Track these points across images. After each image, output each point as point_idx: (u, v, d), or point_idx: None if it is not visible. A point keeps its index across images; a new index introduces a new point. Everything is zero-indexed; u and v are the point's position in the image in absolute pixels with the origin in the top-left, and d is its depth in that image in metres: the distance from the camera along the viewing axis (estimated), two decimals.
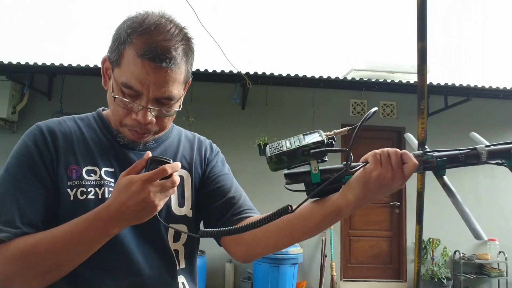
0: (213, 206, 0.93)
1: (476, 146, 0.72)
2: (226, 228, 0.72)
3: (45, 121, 0.87)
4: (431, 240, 5.20)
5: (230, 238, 0.89)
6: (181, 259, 0.91)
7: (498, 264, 5.26)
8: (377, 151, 0.71)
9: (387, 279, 5.40)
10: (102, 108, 0.95)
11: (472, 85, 4.92)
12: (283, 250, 4.39)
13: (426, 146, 0.75)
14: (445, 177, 0.73)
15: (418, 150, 0.74)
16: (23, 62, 4.54)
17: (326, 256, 5.04)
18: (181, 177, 0.92)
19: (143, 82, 0.76)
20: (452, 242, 5.26)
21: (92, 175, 0.83)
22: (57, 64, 4.64)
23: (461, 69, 6.72)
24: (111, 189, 0.83)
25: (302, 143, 0.70)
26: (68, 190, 0.81)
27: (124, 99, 0.79)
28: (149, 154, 0.78)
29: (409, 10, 7.64)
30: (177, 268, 0.90)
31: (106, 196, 0.82)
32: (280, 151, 0.70)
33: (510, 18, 7.61)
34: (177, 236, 0.91)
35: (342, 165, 0.72)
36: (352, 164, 0.72)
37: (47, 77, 5.21)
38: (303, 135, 0.74)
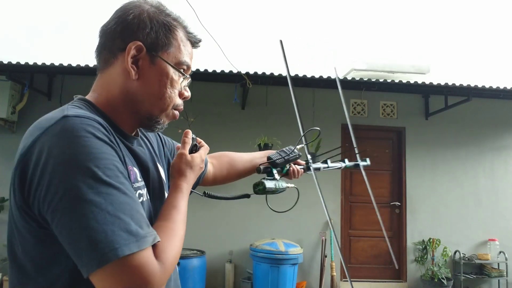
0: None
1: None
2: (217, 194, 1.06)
3: (79, 112, 0.69)
4: (431, 240, 5.20)
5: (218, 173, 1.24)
6: None
7: (498, 264, 5.26)
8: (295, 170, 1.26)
9: (387, 279, 5.40)
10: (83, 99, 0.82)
11: (472, 85, 4.92)
12: (283, 250, 4.40)
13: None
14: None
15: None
16: (23, 62, 4.53)
17: (326, 256, 5.05)
18: (159, 174, 0.92)
19: (191, 60, 0.87)
20: (452, 242, 5.27)
21: (140, 176, 0.79)
22: (57, 64, 4.63)
23: (461, 69, 6.71)
24: (147, 190, 0.81)
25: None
26: None
27: (188, 75, 0.85)
28: (190, 132, 0.92)
29: (409, 11, 7.64)
30: None
31: (150, 197, 0.81)
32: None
33: (510, 18, 7.61)
34: None
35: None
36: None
37: (47, 77, 5.21)
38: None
